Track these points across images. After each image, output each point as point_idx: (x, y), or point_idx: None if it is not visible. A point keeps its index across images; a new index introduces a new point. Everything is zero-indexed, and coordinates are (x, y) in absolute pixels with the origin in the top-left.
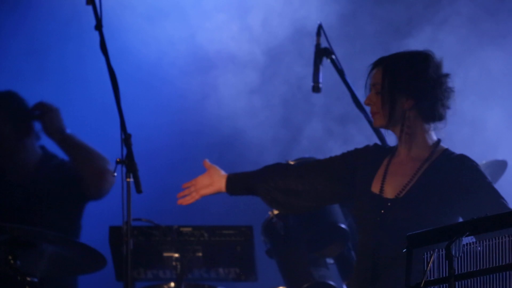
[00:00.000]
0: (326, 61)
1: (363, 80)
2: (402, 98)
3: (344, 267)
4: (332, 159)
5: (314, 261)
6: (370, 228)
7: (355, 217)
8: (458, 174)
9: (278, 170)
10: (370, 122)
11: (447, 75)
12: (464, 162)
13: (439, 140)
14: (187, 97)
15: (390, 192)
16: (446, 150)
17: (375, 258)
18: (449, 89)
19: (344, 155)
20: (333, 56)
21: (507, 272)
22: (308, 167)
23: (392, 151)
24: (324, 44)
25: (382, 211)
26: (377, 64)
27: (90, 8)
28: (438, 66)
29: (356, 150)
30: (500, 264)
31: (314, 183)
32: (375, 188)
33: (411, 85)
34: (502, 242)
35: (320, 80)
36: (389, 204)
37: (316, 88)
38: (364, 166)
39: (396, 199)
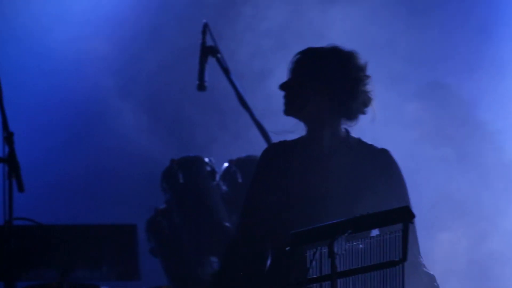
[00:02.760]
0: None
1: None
2: (316, 90)
3: None
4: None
5: (198, 260)
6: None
7: (274, 214)
8: (380, 170)
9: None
10: (254, 120)
11: (367, 78)
12: (385, 158)
13: (347, 131)
14: (70, 96)
15: (311, 188)
16: (363, 143)
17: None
18: (367, 93)
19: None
20: (219, 55)
21: (388, 269)
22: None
23: (299, 143)
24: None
25: (306, 206)
26: (302, 52)
27: None
28: (360, 67)
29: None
30: (382, 261)
31: None
32: (295, 183)
33: (330, 80)
34: (383, 240)
35: (206, 78)
36: (314, 200)
37: (201, 87)
38: (276, 168)
39: (320, 196)
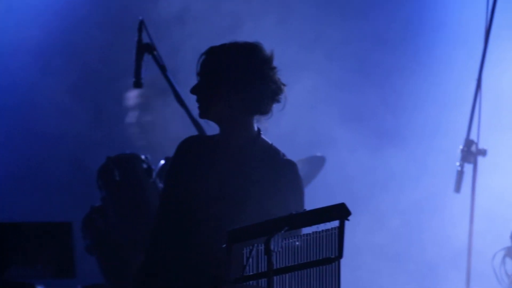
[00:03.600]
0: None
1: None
2: (226, 88)
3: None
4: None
5: (134, 258)
6: (194, 223)
7: (179, 212)
8: (280, 180)
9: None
10: (191, 117)
11: (274, 68)
12: (288, 171)
13: (259, 131)
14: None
15: (217, 186)
16: (272, 146)
17: (202, 250)
18: (277, 83)
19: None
20: (155, 52)
21: (324, 266)
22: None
23: (213, 140)
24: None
25: (207, 205)
26: (205, 53)
27: None
28: (265, 59)
29: (175, 159)
30: (318, 258)
31: None
32: (199, 182)
33: (235, 76)
34: (319, 237)
35: (142, 75)
36: (213, 197)
37: (137, 84)
38: (187, 162)
39: (220, 193)
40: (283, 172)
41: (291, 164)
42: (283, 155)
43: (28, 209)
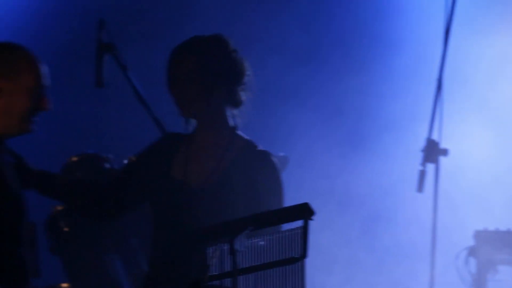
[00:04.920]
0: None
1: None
2: (206, 85)
3: (128, 262)
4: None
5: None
6: (169, 214)
7: (152, 205)
8: (259, 171)
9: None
10: (152, 116)
11: (242, 57)
12: (267, 162)
13: (235, 127)
14: None
15: (195, 180)
16: (249, 141)
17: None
18: (245, 72)
19: (138, 161)
20: (115, 52)
21: (289, 266)
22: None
23: (188, 137)
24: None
25: (188, 199)
26: (174, 52)
27: None
28: (233, 49)
29: (149, 146)
30: (283, 258)
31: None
32: (177, 174)
33: (213, 72)
34: (283, 237)
35: (103, 75)
36: (193, 192)
37: (99, 83)
38: (159, 156)
39: (200, 188)
40: (260, 164)
41: (266, 154)
42: (259, 147)
43: None
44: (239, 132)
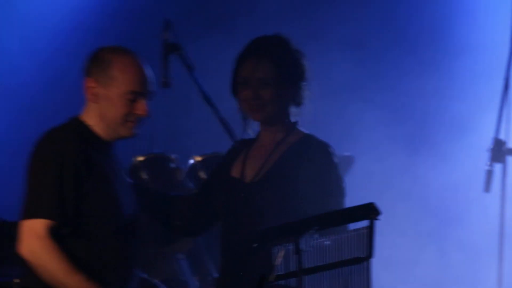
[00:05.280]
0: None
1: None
2: (287, 86)
3: (195, 262)
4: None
5: (164, 256)
6: (231, 213)
7: (216, 205)
8: (315, 161)
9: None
10: (219, 117)
11: (303, 57)
12: (323, 151)
13: (295, 123)
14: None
15: (249, 176)
16: (308, 135)
17: (236, 245)
18: (307, 71)
19: (211, 174)
20: (181, 52)
21: (354, 266)
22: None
23: (252, 140)
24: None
25: (242, 195)
26: (250, 56)
27: None
28: (295, 48)
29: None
30: (348, 258)
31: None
32: (235, 173)
33: (286, 73)
34: (348, 237)
35: (170, 75)
36: (247, 187)
37: (165, 84)
38: (225, 163)
39: (252, 182)
40: (315, 155)
41: (324, 145)
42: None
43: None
44: (299, 128)
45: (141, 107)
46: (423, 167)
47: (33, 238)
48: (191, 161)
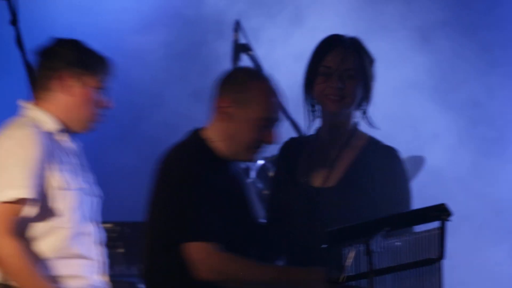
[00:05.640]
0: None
1: None
2: (366, 84)
3: None
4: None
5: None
6: (299, 219)
7: (282, 210)
8: (384, 167)
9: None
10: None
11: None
12: (392, 157)
13: (356, 123)
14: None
15: (317, 181)
16: (373, 138)
17: (306, 249)
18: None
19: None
20: (251, 52)
21: (426, 267)
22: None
23: (312, 138)
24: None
25: (312, 200)
26: (347, 48)
27: None
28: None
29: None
30: (419, 259)
31: None
32: (301, 178)
33: (367, 69)
34: (420, 238)
35: None
36: (319, 193)
37: None
38: (287, 167)
39: (325, 188)
40: (384, 160)
41: (391, 150)
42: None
43: (129, 209)
44: (361, 129)
45: (271, 135)
46: (498, 171)
47: (213, 259)
48: (261, 161)
